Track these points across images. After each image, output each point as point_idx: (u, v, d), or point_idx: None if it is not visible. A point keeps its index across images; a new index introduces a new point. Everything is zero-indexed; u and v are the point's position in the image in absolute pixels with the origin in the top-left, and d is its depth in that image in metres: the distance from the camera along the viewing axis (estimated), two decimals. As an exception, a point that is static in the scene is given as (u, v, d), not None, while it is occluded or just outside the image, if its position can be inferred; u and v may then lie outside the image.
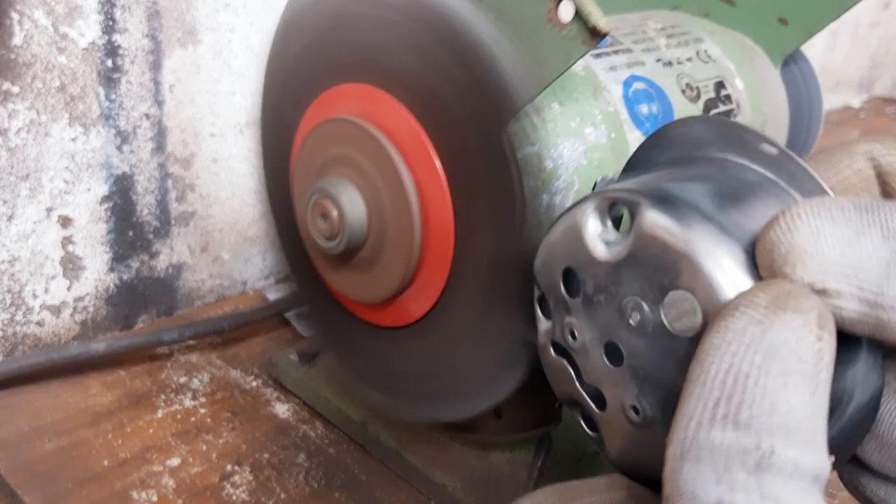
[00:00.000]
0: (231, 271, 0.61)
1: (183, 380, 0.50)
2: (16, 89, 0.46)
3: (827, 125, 0.57)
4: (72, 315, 0.52)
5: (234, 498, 0.41)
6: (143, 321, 0.56)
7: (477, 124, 0.31)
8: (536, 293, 0.24)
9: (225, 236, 0.59)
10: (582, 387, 0.23)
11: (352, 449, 0.45)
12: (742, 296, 0.16)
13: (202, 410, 0.47)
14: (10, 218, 0.48)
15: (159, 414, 0.46)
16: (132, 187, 0.53)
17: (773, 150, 0.21)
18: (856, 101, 1.28)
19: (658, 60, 0.38)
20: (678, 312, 0.19)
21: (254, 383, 0.50)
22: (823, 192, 0.20)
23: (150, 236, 0.55)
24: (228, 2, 0.54)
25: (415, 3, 0.32)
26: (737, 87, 0.41)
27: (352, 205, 0.35)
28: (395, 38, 0.33)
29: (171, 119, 0.53)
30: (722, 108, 0.39)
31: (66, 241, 0.51)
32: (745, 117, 0.41)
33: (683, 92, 0.38)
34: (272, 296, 0.60)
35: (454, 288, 0.34)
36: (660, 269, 0.20)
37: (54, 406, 0.46)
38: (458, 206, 0.32)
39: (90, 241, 0.52)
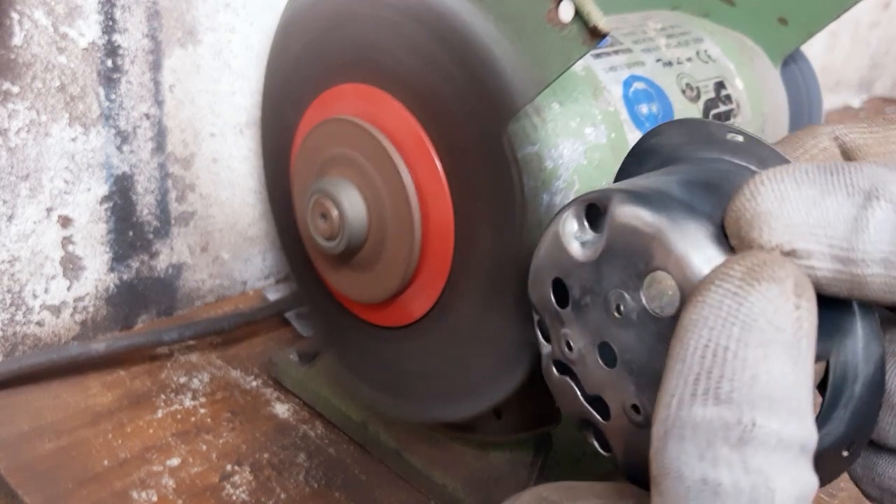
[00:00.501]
0: (231, 271, 0.61)
1: (183, 380, 0.50)
2: (16, 89, 0.46)
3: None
4: (72, 315, 0.52)
5: (234, 498, 0.41)
6: (143, 321, 0.56)
7: (477, 124, 0.31)
8: (535, 318, 0.24)
9: (225, 236, 0.59)
10: (585, 399, 0.23)
11: (352, 449, 0.45)
12: (716, 269, 0.16)
13: (202, 410, 0.47)
14: (10, 218, 0.48)
15: (159, 414, 0.46)
16: (132, 187, 0.53)
17: (740, 138, 0.21)
18: (856, 101, 1.28)
19: (658, 60, 0.38)
20: (657, 293, 0.20)
21: (254, 383, 0.50)
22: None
23: (150, 236, 0.55)
24: (228, 2, 0.54)
25: (415, 3, 0.32)
26: (737, 87, 0.41)
27: (352, 205, 0.35)
28: (395, 38, 0.33)
29: (171, 119, 0.53)
30: (722, 108, 0.39)
31: (66, 241, 0.51)
32: (745, 117, 0.41)
33: (683, 92, 0.38)
34: (272, 296, 0.60)
35: (454, 288, 0.34)
36: (634, 255, 0.20)
37: (54, 406, 0.46)
38: (458, 206, 0.32)
39: (90, 241, 0.52)
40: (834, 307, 0.18)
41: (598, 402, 0.22)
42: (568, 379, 0.23)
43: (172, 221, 0.56)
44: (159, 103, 0.52)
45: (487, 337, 0.33)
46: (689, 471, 0.15)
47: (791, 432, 0.15)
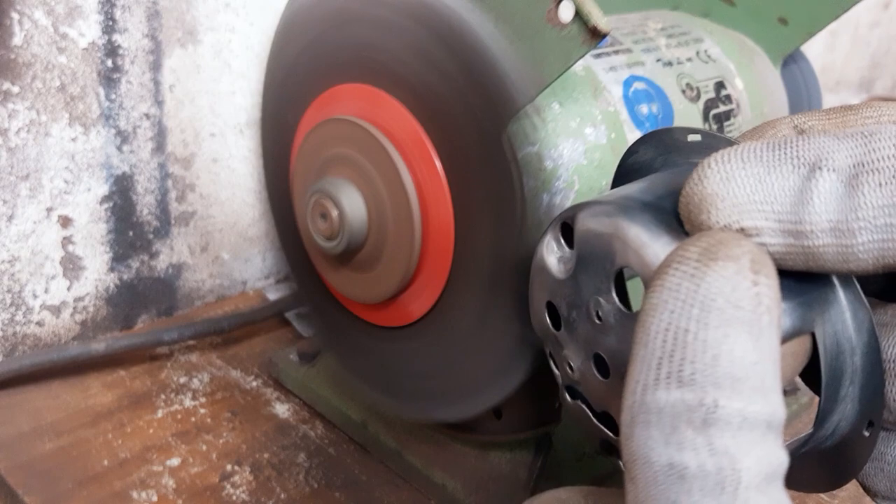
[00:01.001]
0: (231, 271, 0.61)
1: (183, 380, 0.50)
2: (16, 89, 0.46)
3: (827, 125, 0.57)
4: (72, 315, 0.52)
5: (234, 498, 0.41)
6: (143, 321, 0.56)
7: (477, 124, 0.31)
8: (547, 350, 0.24)
9: (225, 236, 0.59)
10: (597, 418, 0.23)
11: (352, 449, 0.45)
12: (673, 252, 0.16)
13: (202, 410, 0.47)
14: (10, 218, 0.48)
15: (159, 414, 0.46)
16: (132, 187, 0.53)
17: (698, 137, 0.22)
18: (856, 101, 1.28)
19: (658, 60, 0.38)
20: (627, 290, 0.20)
21: (254, 383, 0.50)
22: None
23: (150, 236, 0.55)
24: (228, 2, 0.54)
25: (415, 3, 0.32)
26: (737, 87, 0.41)
27: (352, 205, 0.35)
28: (395, 39, 0.33)
29: (171, 119, 0.53)
30: (722, 108, 0.39)
31: (66, 241, 0.51)
32: (745, 117, 0.41)
33: (683, 92, 0.38)
34: (272, 296, 0.60)
35: (454, 288, 0.34)
36: (600, 258, 0.20)
37: (54, 406, 0.46)
38: (458, 206, 0.32)
39: (90, 241, 0.52)
40: (812, 279, 0.18)
41: (607, 418, 0.22)
42: (579, 402, 0.23)
43: (172, 221, 0.56)
44: (159, 103, 0.52)
45: (487, 337, 0.33)
46: (655, 456, 0.15)
47: (756, 410, 0.15)
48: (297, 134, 0.38)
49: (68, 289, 0.52)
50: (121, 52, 0.50)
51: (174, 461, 0.43)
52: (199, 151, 0.55)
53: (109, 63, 0.49)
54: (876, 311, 0.20)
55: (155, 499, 0.40)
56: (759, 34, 0.44)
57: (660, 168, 0.23)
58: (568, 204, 0.31)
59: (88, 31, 0.48)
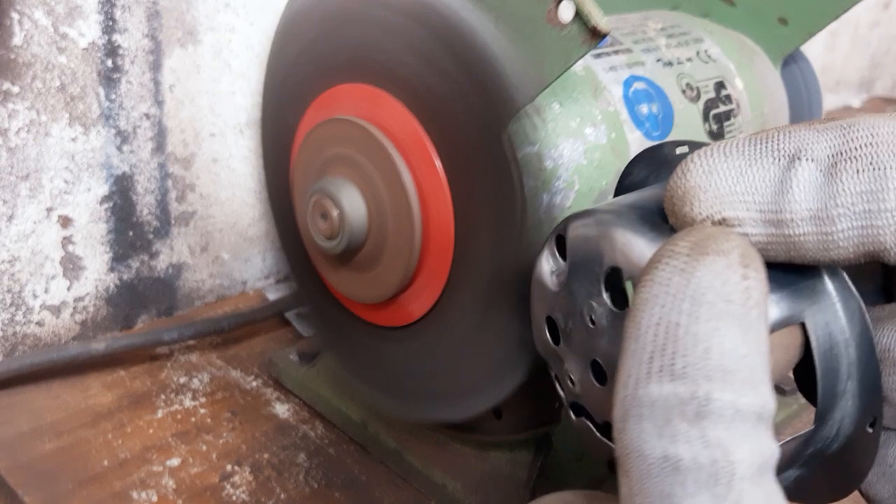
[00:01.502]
0: (231, 271, 0.61)
1: (183, 380, 0.50)
2: (16, 89, 0.46)
3: (827, 125, 0.57)
4: (72, 315, 0.52)
5: (234, 498, 0.41)
6: (143, 321, 0.56)
7: (477, 124, 0.31)
8: (552, 372, 0.24)
9: (225, 236, 0.59)
10: (599, 431, 0.22)
11: (352, 449, 0.45)
12: (663, 247, 0.16)
13: (202, 410, 0.47)
14: (10, 218, 0.48)
15: (159, 414, 0.46)
16: (132, 187, 0.53)
17: (685, 148, 0.22)
18: (856, 101, 1.28)
19: (658, 60, 0.38)
20: (617, 290, 0.20)
21: (254, 383, 0.50)
22: None
23: (150, 236, 0.55)
24: (228, 2, 0.54)
25: (415, 3, 0.32)
26: (737, 87, 0.41)
27: (352, 204, 0.35)
28: (395, 39, 0.33)
29: (171, 119, 0.53)
30: (722, 108, 0.39)
31: (66, 241, 0.51)
32: (745, 117, 0.41)
33: (684, 92, 0.38)
34: (272, 296, 0.60)
35: (454, 288, 0.34)
36: (590, 261, 0.21)
37: (54, 406, 0.46)
38: (458, 206, 0.32)
39: (90, 241, 0.52)
40: (800, 271, 0.18)
41: (608, 429, 0.22)
42: (584, 419, 0.23)
43: (172, 221, 0.56)
44: (159, 103, 0.52)
45: (487, 337, 0.33)
46: (649, 449, 0.15)
47: (747, 402, 0.15)
48: (297, 134, 0.38)
49: (68, 289, 0.52)
50: (121, 52, 0.50)
51: (174, 461, 0.43)
52: (199, 151, 0.55)
53: (109, 63, 0.49)
54: (871, 309, 0.20)
55: (155, 499, 0.40)
56: (759, 34, 0.44)
57: (652, 184, 0.23)
58: (568, 204, 0.31)
59: (88, 31, 0.48)
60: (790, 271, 0.18)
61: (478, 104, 0.31)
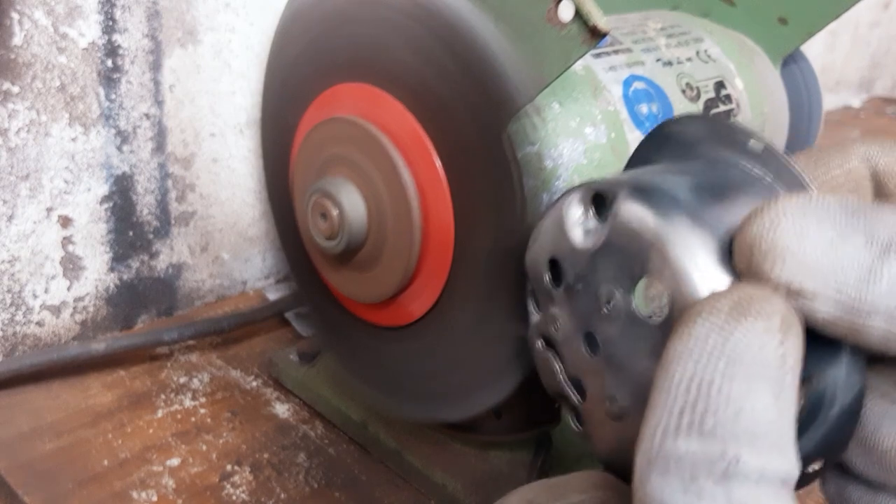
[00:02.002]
0: (231, 271, 0.61)
1: (183, 380, 0.50)
2: (16, 89, 0.46)
3: (827, 125, 0.57)
4: (72, 315, 0.52)
5: (234, 498, 0.41)
6: (143, 321, 0.56)
7: (477, 124, 0.31)
8: (529, 286, 0.24)
9: (225, 236, 0.59)
10: (565, 379, 0.23)
11: (352, 449, 0.45)
12: (704, 302, 0.16)
13: (202, 410, 0.47)
14: (10, 218, 0.48)
15: (159, 414, 0.46)
16: (132, 187, 0.53)
17: (759, 147, 0.21)
18: (856, 101, 1.28)
19: (658, 60, 0.38)
20: (648, 299, 0.19)
21: (254, 383, 0.50)
22: (807, 189, 0.20)
23: (150, 236, 0.55)
24: (228, 2, 0.54)
25: (415, 3, 0.32)
26: (737, 86, 0.41)
27: (352, 204, 0.35)
28: (395, 38, 0.33)
29: (171, 119, 0.53)
30: (722, 108, 0.39)
31: (66, 241, 0.51)
32: (745, 117, 0.41)
33: (683, 92, 0.38)
34: (272, 296, 0.60)
35: (454, 288, 0.34)
36: (632, 256, 0.20)
37: (54, 406, 0.46)
38: (458, 206, 0.32)
39: (90, 241, 0.52)
40: (824, 339, 0.18)
41: (576, 383, 0.22)
42: (551, 355, 0.23)
43: (172, 221, 0.56)
44: (159, 103, 0.52)
45: (487, 337, 0.33)
46: (672, 503, 0.15)
47: (774, 467, 0.15)
48: (297, 134, 0.38)
49: (68, 289, 0.52)
50: (121, 52, 0.50)
51: (174, 461, 0.43)
52: (199, 151, 0.55)
53: (109, 63, 0.49)
54: (875, 371, 0.20)
55: (155, 499, 0.40)
56: (759, 34, 0.44)
57: (702, 155, 0.22)
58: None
59: (88, 31, 0.48)
60: (813, 333, 0.18)
61: (478, 104, 0.31)
